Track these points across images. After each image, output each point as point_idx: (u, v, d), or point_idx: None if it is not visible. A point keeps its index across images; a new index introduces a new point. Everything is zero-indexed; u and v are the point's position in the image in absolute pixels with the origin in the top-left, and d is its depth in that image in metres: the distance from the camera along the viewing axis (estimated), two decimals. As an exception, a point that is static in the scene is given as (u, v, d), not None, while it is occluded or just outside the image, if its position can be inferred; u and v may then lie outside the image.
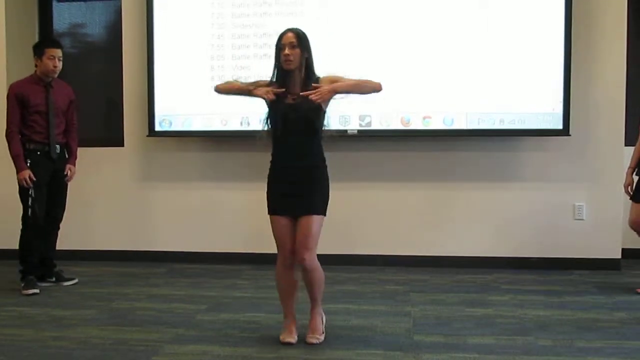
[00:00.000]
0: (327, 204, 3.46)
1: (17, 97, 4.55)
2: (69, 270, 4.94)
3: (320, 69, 5.09)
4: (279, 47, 3.38)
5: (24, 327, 3.77)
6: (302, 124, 3.34)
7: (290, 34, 3.37)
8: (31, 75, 4.71)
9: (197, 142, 5.49)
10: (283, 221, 3.40)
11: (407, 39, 5.05)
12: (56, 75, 4.70)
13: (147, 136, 5.42)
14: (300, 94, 3.32)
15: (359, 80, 3.42)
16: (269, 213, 3.44)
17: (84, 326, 3.78)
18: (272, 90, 3.34)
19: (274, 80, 3.43)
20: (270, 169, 3.45)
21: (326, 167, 3.46)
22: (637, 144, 4.50)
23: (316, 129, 3.38)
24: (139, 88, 5.44)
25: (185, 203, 5.51)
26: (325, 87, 3.31)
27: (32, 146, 4.58)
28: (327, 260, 5.30)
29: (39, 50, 4.64)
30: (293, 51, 3.33)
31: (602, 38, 5.04)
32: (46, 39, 4.77)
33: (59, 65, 4.66)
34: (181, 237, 5.53)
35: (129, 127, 5.55)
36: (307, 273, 3.42)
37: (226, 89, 3.55)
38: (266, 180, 3.47)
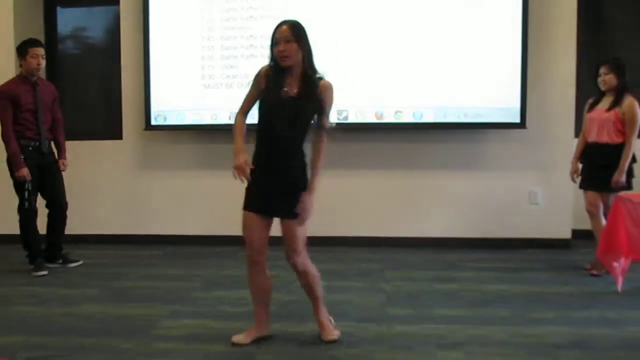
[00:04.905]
0: None
1: (9, 98, 4.43)
2: (74, 253, 4.94)
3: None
4: (273, 42, 2.85)
5: (34, 305, 3.80)
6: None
7: (284, 27, 2.83)
8: (17, 76, 4.61)
9: (190, 135, 5.49)
10: None
11: (381, 40, 5.09)
12: (40, 73, 4.61)
13: (144, 130, 5.42)
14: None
15: (320, 161, 3.00)
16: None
17: (88, 303, 3.81)
18: (243, 175, 2.97)
19: (271, 77, 2.89)
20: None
21: None
22: (581, 134, 4.59)
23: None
24: (136, 86, 5.42)
25: (179, 190, 5.52)
26: (307, 203, 3.02)
27: (24, 142, 4.50)
28: (308, 242, 5.38)
29: (22, 50, 4.53)
30: (288, 46, 2.80)
31: (555, 41, 5.11)
32: (28, 39, 4.63)
33: (42, 62, 4.55)
34: (176, 222, 5.55)
35: (127, 122, 5.54)
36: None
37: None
38: None
